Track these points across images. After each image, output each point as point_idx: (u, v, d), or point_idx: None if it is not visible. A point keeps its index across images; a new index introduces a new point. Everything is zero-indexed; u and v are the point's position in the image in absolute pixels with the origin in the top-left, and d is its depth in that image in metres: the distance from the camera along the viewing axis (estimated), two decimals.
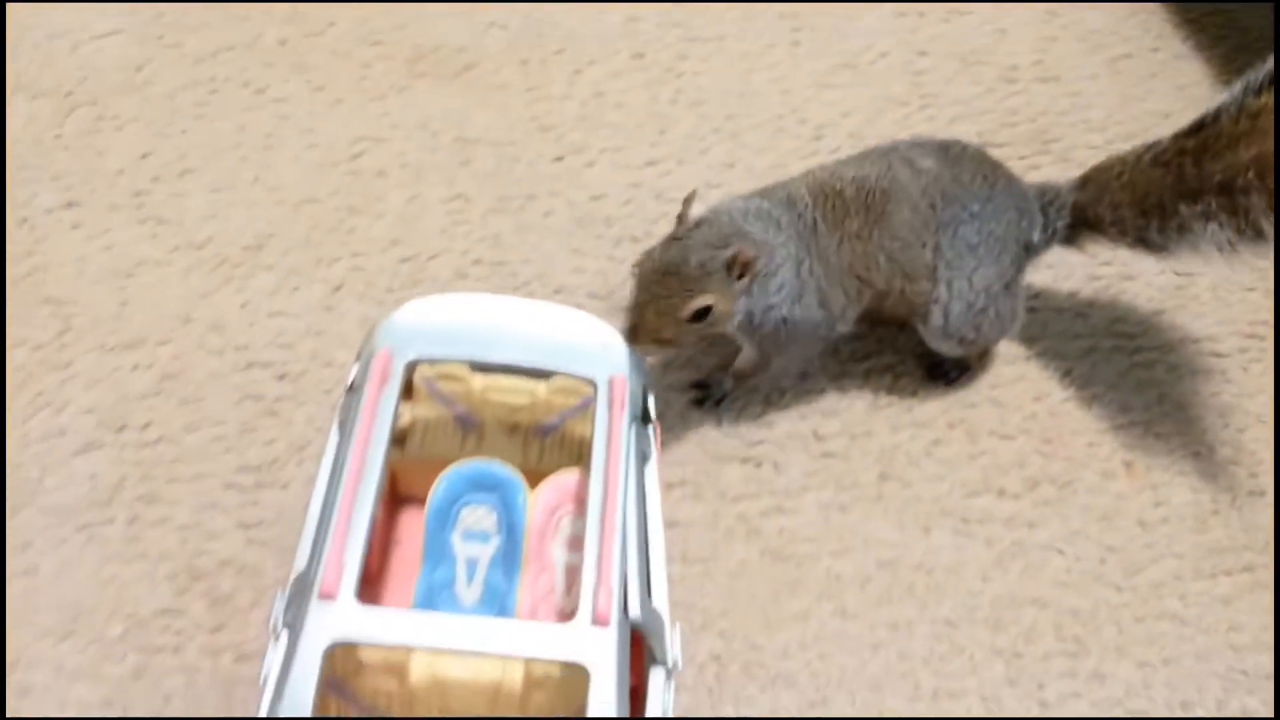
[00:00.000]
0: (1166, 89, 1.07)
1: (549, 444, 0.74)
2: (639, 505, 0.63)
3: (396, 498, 0.76)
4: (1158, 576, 0.80)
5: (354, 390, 0.65)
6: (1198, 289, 0.94)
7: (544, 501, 0.69)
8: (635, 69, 1.03)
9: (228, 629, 0.73)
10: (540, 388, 0.73)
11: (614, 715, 0.53)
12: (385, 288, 0.88)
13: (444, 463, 0.70)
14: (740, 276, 0.71)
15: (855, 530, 0.80)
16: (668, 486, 0.81)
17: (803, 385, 0.85)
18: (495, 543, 0.69)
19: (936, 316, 0.79)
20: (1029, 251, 0.81)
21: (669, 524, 0.79)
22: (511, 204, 0.94)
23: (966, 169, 0.79)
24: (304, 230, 0.91)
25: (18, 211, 0.89)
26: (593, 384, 0.64)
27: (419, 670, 0.62)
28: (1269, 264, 0.78)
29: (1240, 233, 0.74)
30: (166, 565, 0.75)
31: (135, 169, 0.93)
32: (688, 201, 0.73)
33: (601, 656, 0.54)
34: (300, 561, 0.58)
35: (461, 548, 0.69)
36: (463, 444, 0.73)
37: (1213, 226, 0.74)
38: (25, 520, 0.76)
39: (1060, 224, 0.81)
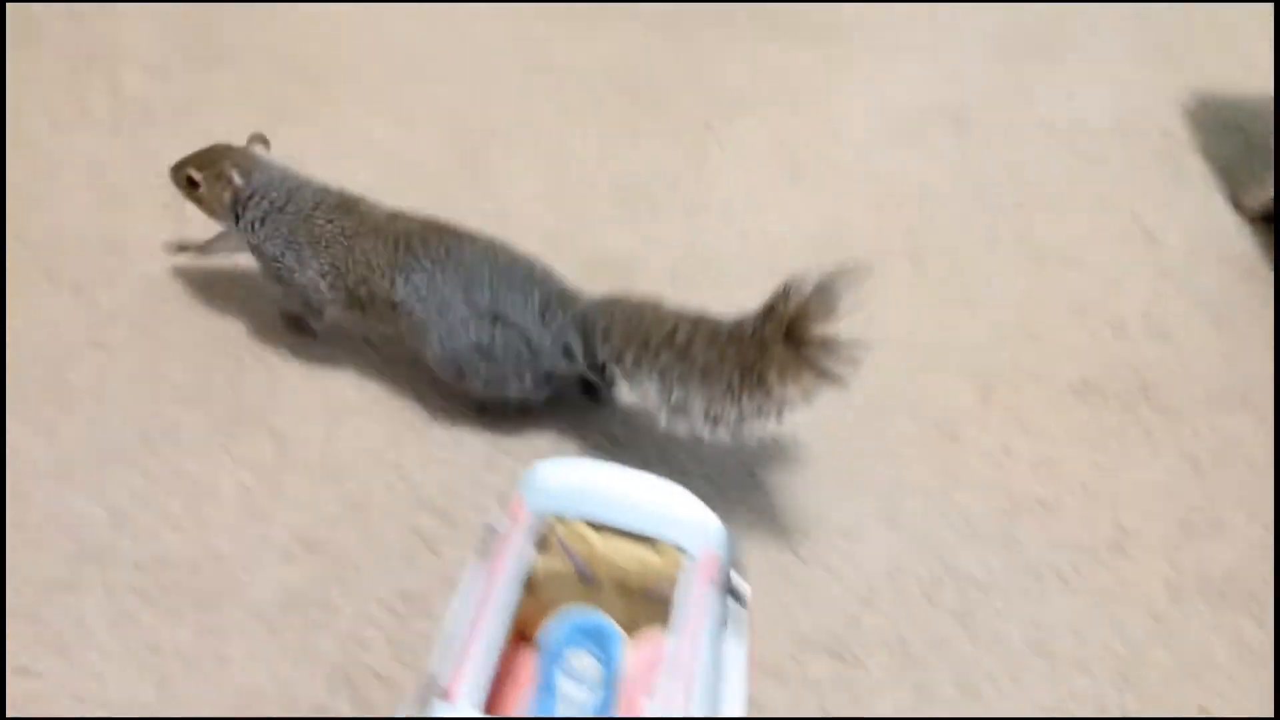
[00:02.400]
0: (1270, 352, 1.13)
1: (655, 605, 0.86)
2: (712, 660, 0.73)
3: (525, 637, 0.88)
4: None
5: (491, 531, 0.80)
6: None
7: (642, 656, 0.80)
8: None
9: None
10: (652, 557, 0.85)
11: None
12: None
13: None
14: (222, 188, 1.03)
15: None
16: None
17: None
18: (596, 696, 0.80)
19: (427, 345, 1.00)
20: (504, 324, 0.98)
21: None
22: None
23: (446, 237, 0.99)
24: None
25: None
26: (688, 554, 0.76)
27: None
28: None
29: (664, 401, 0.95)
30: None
31: None
32: (257, 138, 1.09)
33: None
34: (431, 664, 0.71)
35: (564, 685, 0.81)
36: (582, 596, 0.86)
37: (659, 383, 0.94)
38: (226, 615, 0.92)
39: (563, 315, 0.99)
